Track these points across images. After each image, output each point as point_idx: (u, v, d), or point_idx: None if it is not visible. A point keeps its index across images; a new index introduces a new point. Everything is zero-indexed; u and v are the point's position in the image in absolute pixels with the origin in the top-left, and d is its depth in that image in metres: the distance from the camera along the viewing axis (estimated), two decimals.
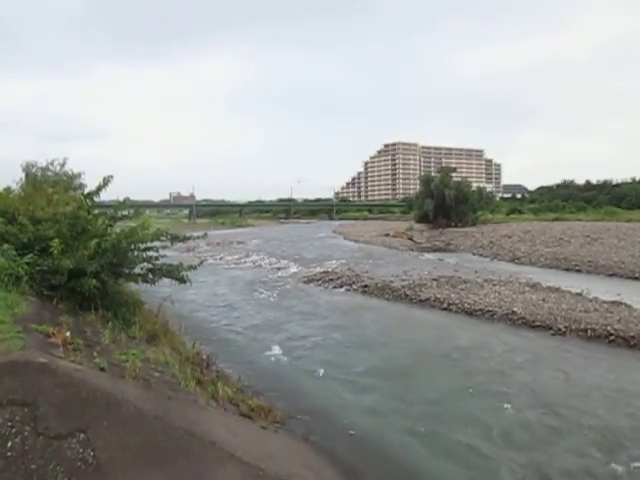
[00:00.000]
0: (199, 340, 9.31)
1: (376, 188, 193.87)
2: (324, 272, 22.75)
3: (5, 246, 6.87)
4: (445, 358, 10.40)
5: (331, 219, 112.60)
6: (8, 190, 11.74)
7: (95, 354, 4.94)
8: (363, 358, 10.49)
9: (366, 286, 18.76)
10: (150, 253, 8.44)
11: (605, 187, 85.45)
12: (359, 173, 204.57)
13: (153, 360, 5.82)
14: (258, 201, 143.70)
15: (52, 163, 22.03)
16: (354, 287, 19.06)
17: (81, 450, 3.19)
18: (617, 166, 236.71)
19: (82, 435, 3.25)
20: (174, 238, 8.81)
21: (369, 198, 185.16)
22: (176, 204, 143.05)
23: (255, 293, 18.89)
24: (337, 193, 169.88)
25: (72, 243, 7.43)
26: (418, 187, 77.53)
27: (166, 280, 8.75)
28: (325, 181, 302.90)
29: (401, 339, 12.06)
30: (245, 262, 29.86)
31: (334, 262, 27.14)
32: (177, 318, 12.09)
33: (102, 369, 4.52)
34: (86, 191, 9.33)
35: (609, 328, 11.68)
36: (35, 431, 3.12)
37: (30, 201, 8.92)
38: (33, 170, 22.25)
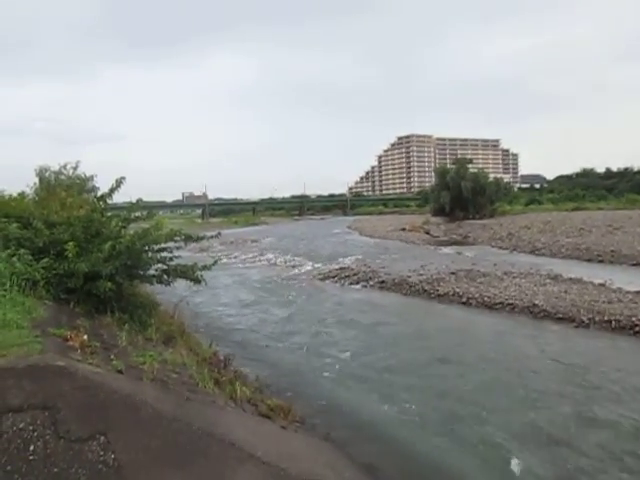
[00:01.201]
0: (215, 340, 9.38)
1: (390, 182, 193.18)
2: (340, 269, 22.75)
3: (21, 251, 6.97)
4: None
5: (345, 215, 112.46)
6: (23, 195, 11.91)
7: (112, 356, 5.00)
8: (383, 353, 10.50)
9: (383, 282, 18.73)
10: (164, 254, 8.50)
11: (626, 175, 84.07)
12: (373, 167, 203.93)
13: (170, 361, 5.87)
14: (271, 198, 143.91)
15: (65, 167, 22.24)
16: (371, 283, 19.03)
17: (102, 453, 3.24)
18: (638, 152, 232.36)
19: (102, 438, 3.30)
20: (188, 238, 8.87)
21: (384, 192, 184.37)
22: (189, 204, 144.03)
23: (270, 291, 18.95)
24: (351, 188, 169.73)
25: (86, 246, 7.51)
26: (434, 180, 77.10)
27: (180, 280, 8.83)
28: (338, 176, 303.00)
29: (426, 333, 12.03)
30: (259, 260, 29.97)
31: (350, 258, 27.12)
32: (193, 319, 12.22)
33: (120, 371, 4.57)
34: (99, 193, 9.43)
35: (634, 319, 11.52)
36: (56, 434, 3.18)
37: (44, 205, 9.04)
38: (46, 174, 22.51)
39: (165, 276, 8.46)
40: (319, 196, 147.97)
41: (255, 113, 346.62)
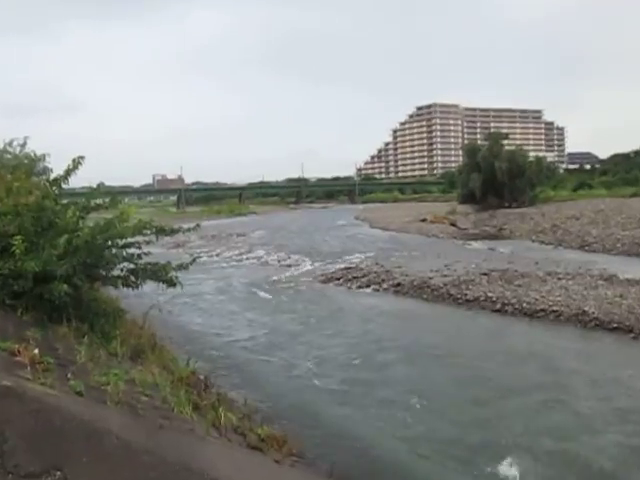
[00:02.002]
0: (194, 356, 9.42)
1: (408, 162, 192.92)
2: (346, 268, 22.86)
3: None
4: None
5: (353, 202, 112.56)
6: None
7: (69, 375, 5.02)
8: (397, 371, 10.54)
9: (399, 284, 18.79)
10: (131, 250, 8.52)
11: None
12: (387, 144, 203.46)
13: (139, 381, 5.91)
14: (261, 182, 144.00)
15: (11, 144, 22.25)
16: (384, 286, 19.10)
17: None
18: None
19: (58, 473, 3.31)
20: (160, 231, 8.87)
21: (400, 175, 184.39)
22: (161, 189, 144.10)
23: (260, 297, 19.02)
24: (360, 170, 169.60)
25: (37, 240, 7.52)
26: (461, 159, 77.02)
27: (151, 283, 8.85)
28: (344, 155, 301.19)
29: (455, 350, 12.09)
30: (247, 259, 30.08)
31: (358, 256, 27.21)
32: (166, 330, 12.26)
33: (79, 393, 4.60)
34: (52, 176, 9.43)
35: None
36: (3, 469, 3.20)
37: None
38: None
39: (132, 277, 8.48)
40: (320, 179, 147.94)
41: (243, 81, 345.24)
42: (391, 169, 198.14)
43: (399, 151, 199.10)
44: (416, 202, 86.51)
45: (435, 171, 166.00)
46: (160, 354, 8.94)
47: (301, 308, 16.76)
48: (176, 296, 15.73)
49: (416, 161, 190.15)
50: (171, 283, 8.64)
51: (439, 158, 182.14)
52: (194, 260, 9.50)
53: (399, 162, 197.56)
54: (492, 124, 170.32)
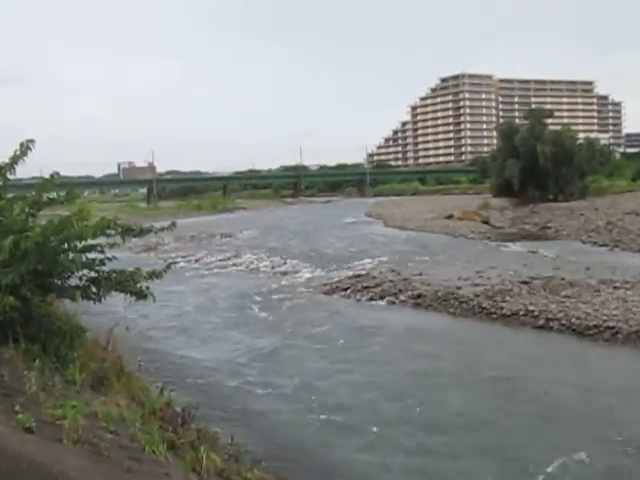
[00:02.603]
0: (169, 385, 9.43)
1: (431, 145, 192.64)
2: (355, 276, 22.89)
3: None
4: None
5: (363, 195, 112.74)
6: None
7: (17, 408, 5.03)
8: (416, 397, 10.56)
9: (419, 296, 18.80)
10: (92, 255, 8.51)
11: None
12: (404, 124, 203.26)
13: (102, 415, 5.91)
14: (251, 171, 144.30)
15: None
16: (401, 298, 19.13)
17: None
18: None
19: None
20: (126, 231, 8.87)
21: (420, 161, 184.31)
22: (128, 180, 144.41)
23: (248, 311, 19.05)
24: (371, 155, 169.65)
25: None
26: (495, 142, 77.03)
27: (116, 295, 8.85)
28: (352, 138, 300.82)
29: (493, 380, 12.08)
30: (234, 265, 30.10)
31: (369, 261, 27.29)
32: (135, 352, 12.26)
33: (29, 430, 4.60)
34: None
35: None
36: None
37: None
38: None
39: (93, 288, 8.47)
40: (322, 167, 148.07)
41: (228, 46, 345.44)
42: (409, 154, 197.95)
43: (419, 132, 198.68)
44: (440, 195, 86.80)
45: (463, 157, 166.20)
46: (128, 382, 8.93)
47: (297, 325, 16.72)
48: (147, 312, 15.80)
49: (440, 144, 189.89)
50: (141, 295, 8.62)
51: (468, 141, 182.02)
52: (169, 266, 9.49)
53: (419, 146, 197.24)
54: (533, 99, 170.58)
